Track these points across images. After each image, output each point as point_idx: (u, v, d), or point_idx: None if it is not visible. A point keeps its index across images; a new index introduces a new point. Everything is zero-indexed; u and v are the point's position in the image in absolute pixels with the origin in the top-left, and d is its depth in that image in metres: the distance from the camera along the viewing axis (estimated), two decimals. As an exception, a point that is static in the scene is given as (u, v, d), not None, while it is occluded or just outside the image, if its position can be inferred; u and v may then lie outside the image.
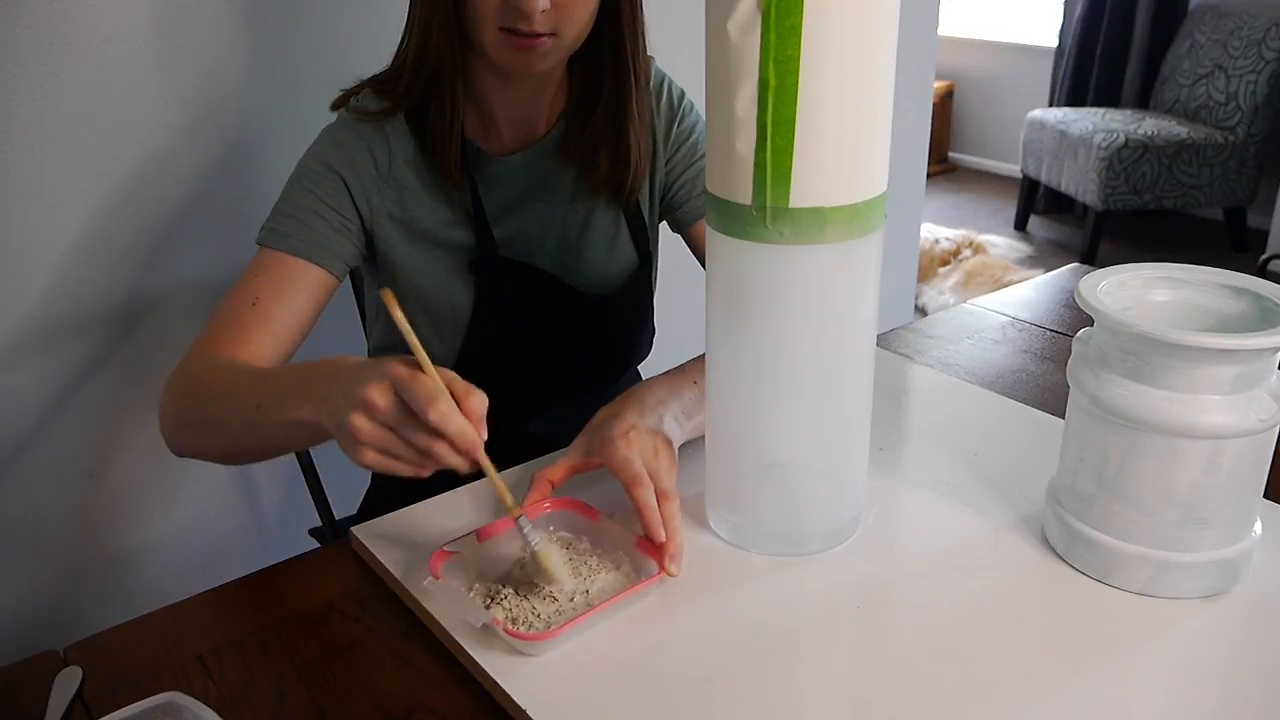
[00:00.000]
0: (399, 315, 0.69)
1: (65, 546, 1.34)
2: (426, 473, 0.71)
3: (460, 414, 0.67)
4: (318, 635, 0.76)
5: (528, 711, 0.65)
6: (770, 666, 0.69)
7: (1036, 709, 0.65)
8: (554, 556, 0.75)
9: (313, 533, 1.34)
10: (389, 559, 0.81)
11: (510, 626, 0.70)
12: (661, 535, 0.77)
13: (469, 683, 0.70)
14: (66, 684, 0.71)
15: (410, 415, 0.67)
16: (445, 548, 0.78)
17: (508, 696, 0.67)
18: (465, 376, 0.70)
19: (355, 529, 0.86)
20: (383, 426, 0.68)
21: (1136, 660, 0.69)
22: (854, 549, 0.82)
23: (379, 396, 0.67)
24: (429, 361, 0.68)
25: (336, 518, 1.28)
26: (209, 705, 0.65)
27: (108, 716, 0.63)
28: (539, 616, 0.72)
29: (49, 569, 1.33)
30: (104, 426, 1.32)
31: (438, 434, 0.67)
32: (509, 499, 0.74)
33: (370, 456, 0.69)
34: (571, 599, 0.74)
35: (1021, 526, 0.84)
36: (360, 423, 0.68)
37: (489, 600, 0.74)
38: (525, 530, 0.74)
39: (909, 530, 0.85)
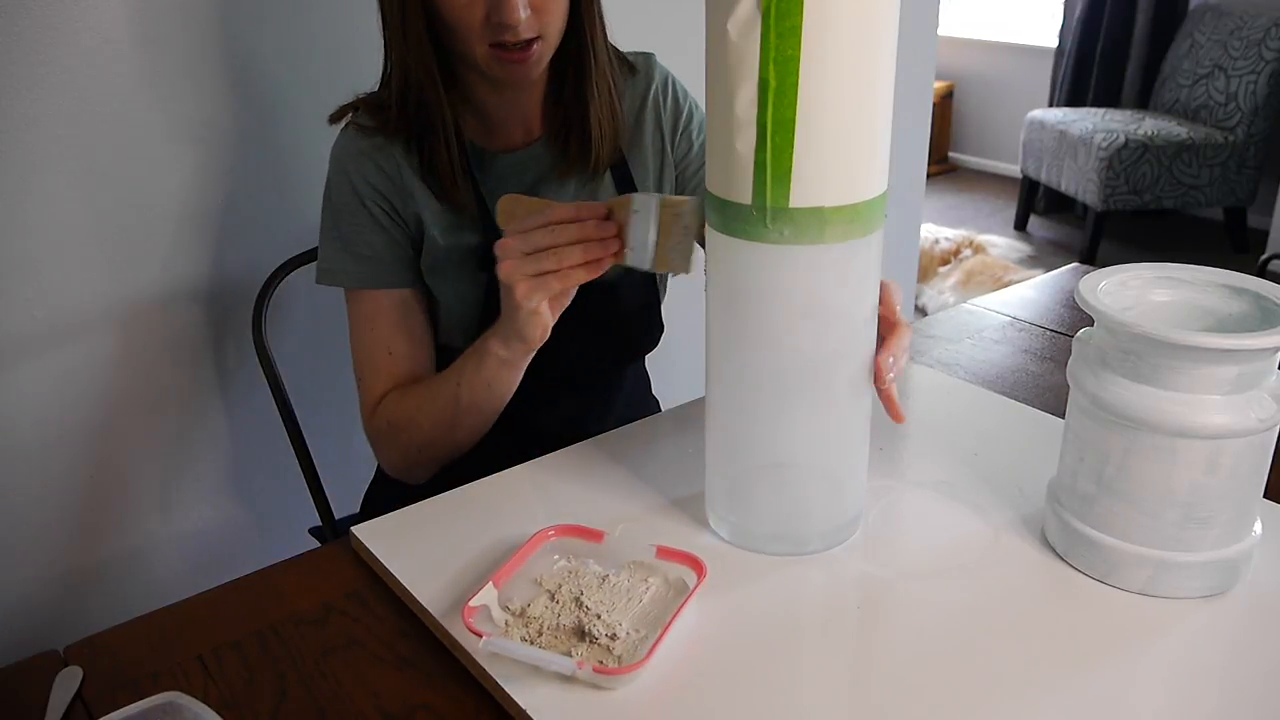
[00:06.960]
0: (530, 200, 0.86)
1: (65, 546, 1.34)
2: (596, 259, 0.82)
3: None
4: (318, 635, 0.76)
5: (528, 711, 0.65)
6: (770, 666, 0.69)
7: (1036, 709, 0.65)
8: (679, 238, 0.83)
9: (313, 532, 1.34)
10: (389, 559, 0.81)
11: (598, 665, 0.67)
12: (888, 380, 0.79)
13: (469, 683, 0.70)
14: (66, 684, 0.71)
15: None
16: (470, 604, 0.72)
17: (508, 696, 0.67)
18: None
19: (355, 529, 0.86)
20: (520, 249, 0.81)
21: (1136, 660, 0.69)
22: (854, 549, 0.82)
23: (503, 240, 0.82)
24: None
25: (336, 517, 1.28)
26: (209, 705, 0.65)
27: (107, 716, 0.63)
28: (607, 651, 0.69)
29: (49, 569, 1.33)
30: (104, 426, 1.32)
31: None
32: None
33: (525, 282, 0.82)
34: (620, 626, 0.70)
35: (1021, 526, 0.84)
36: (508, 261, 0.82)
37: (533, 641, 0.70)
38: (642, 209, 0.82)
39: (909, 530, 0.85)
